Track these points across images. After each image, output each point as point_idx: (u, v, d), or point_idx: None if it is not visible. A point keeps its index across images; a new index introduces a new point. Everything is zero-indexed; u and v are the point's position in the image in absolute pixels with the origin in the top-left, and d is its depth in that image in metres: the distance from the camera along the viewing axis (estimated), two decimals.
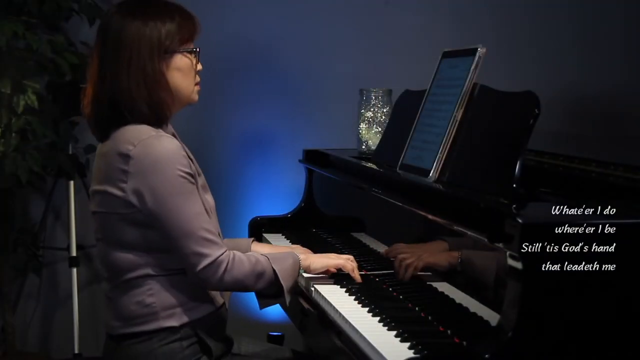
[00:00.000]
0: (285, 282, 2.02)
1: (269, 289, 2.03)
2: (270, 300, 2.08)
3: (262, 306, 2.11)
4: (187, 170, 1.93)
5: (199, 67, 2.07)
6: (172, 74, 2.00)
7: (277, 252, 2.18)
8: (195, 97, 2.07)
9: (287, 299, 2.04)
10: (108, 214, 1.95)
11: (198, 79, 2.07)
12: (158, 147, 1.91)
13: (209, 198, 2.11)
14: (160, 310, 1.97)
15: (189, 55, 2.03)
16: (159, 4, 2.04)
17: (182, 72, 2.02)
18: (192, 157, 2.12)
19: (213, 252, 1.92)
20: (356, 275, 2.21)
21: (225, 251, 1.95)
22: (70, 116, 3.45)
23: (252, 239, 2.41)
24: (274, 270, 2.01)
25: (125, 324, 1.99)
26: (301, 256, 2.13)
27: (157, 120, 2.00)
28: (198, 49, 2.06)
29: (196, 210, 1.93)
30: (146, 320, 1.98)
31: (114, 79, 1.97)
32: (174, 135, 2.08)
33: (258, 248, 2.37)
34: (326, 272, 2.24)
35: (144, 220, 1.92)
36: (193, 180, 1.95)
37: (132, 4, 2.03)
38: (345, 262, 2.22)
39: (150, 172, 1.90)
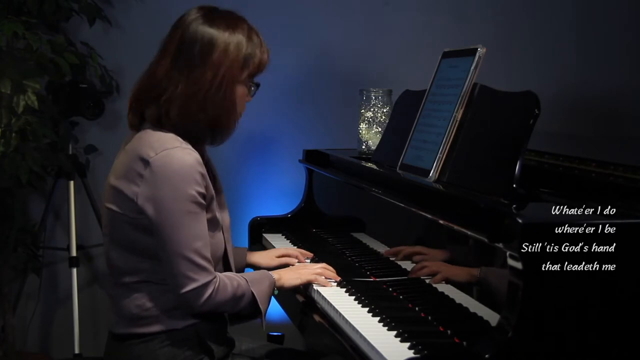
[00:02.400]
0: (263, 305, 2.03)
1: (244, 310, 2.03)
2: (242, 319, 2.10)
3: (232, 324, 2.12)
4: (200, 190, 1.92)
5: (250, 99, 2.07)
6: None
7: (254, 272, 2.17)
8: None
9: (264, 322, 2.05)
10: (118, 214, 1.96)
11: (244, 109, 2.07)
12: (177, 160, 1.90)
13: (225, 216, 2.12)
14: (162, 313, 1.97)
15: (249, 87, 2.03)
16: (244, 21, 2.03)
17: (238, 101, 2.02)
18: (215, 173, 2.15)
19: (200, 279, 1.91)
20: (331, 282, 2.22)
21: (213, 278, 1.94)
22: (70, 116, 3.44)
23: (246, 248, 2.40)
24: (252, 294, 2.01)
25: (128, 324, 2.00)
26: (275, 276, 2.12)
27: (208, 142, 2.03)
28: (259, 85, 2.07)
29: (196, 233, 1.91)
30: (148, 322, 1.98)
31: (191, 84, 1.95)
32: (201, 151, 2.06)
33: (254, 258, 2.39)
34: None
35: (148, 227, 1.92)
36: (202, 201, 1.94)
37: (218, 13, 2.02)
38: (317, 276, 2.22)
39: (163, 184, 1.89)
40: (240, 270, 2.34)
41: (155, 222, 1.90)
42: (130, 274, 1.98)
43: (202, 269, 1.92)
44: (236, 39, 1.98)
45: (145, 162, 1.91)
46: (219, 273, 1.99)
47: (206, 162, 2.09)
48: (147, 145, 1.94)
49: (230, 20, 2.01)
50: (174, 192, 1.89)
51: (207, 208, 1.97)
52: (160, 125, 1.97)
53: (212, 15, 2.00)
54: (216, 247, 2.03)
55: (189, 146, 1.96)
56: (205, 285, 1.92)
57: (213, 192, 2.01)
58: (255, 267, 2.39)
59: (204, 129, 1.99)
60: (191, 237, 1.90)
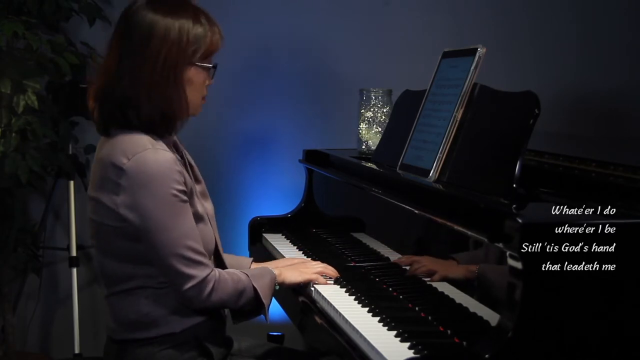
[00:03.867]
0: (266, 300, 2.02)
1: (247, 305, 2.03)
2: (246, 317, 2.08)
3: (236, 322, 2.10)
4: (180, 187, 1.89)
5: (210, 81, 2.02)
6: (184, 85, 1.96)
7: (254, 268, 2.16)
8: (199, 111, 2.02)
9: (267, 315, 2.04)
10: (101, 224, 1.93)
11: (205, 92, 2.02)
12: (152, 163, 1.87)
13: (208, 205, 2.09)
14: (159, 318, 1.96)
15: (204, 70, 1.98)
16: (189, 4, 1.98)
17: (194, 86, 1.97)
18: (192, 163, 2.11)
19: (199, 273, 1.90)
20: (329, 280, 2.22)
21: (211, 271, 1.93)
22: (70, 116, 3.45)
23: (252, 259, 2.37)
24: (254, 288, 2.01)
25: (125, 329, 1.99)
26: (275, 271, 2.11)
27: (164, 131, 1.96)
28: (216, 66, 2.01)
29: (184, 230, 1.89)
30: (145, 327, 1.97)
31: (134, 75, 1.91)
32: (175, 143, 2.06)
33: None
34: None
35: (134, 234, 1.90)
36: (185, 198, 1.91)
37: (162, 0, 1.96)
38: (318, 276, 2.22)
39: (142, 189, 1.86)
40: None
41: (142, 229, 1.87)
42: (124, 281, 1.96)
43: (198, 263, 1.91)
44: (178, 23, 1.92)
45: (120, 170, 1.87)
46: (218, 269, 1.98)
47: (181, 153, 2.07)
48: (118, 151, 1.89)
49: (173, 4, 1.95)
50: (155, 196, 1.86)
51: (189, 203, 1.94)
52: (125, 126, 1.93)
53: (155, 2, 1.95)
54: (206, 240, 2.00)
55: (161, 144, 1.92)
56: (205, 280, 1.91)
57: (192, 185, 1.98)
58: None
59: (157, 119, 1.93)
60: (182, 236, 1.89)
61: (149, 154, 1.88)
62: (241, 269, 2.10)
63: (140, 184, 1.86)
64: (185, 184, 1.92)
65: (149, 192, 1.86)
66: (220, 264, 2.11)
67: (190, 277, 1.90)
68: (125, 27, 1.94)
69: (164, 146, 1.93)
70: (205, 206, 2.06)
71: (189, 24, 1.93)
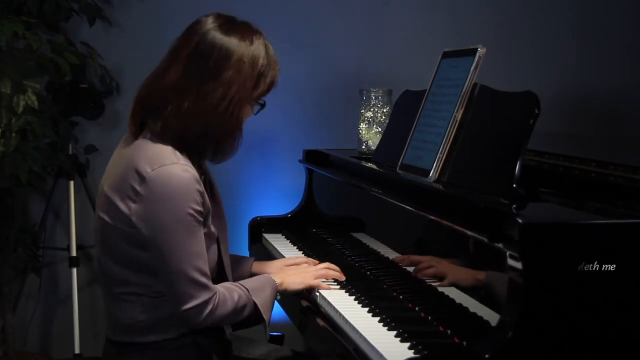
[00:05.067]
0: (266, 314, 2.01)
1: (248, 318, 2.01)
2: (245, 326, 2.07)
3: (235, 329, 2.10)
4: (198, 207, 1.87)
5: (252, 114, 2.01)
6: None
7: (254, 279, 2.11)
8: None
9: (268, 330, 2.03)
10: (110, 225, 1.92)
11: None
12: (175, 178, 1.84)
13: (223, 228, 2.07)
14: (155, 325, 1.95)
15: (256, 106, 1.99)
16: (260, 35, 1.96)
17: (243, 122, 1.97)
18: (213, 182, 2.10)
19: (200, 295, 1.88)
20: (333, 283, 2.21)
21: (213, 294, 1.91)
22: (70, 116, 3.44)
23: (253, 258, 2.37)
24: (255, 304, 1.99)
25: (122, 333, 1.98)
26: (277, 280, 2.10)
27: (208, 158, 1.97)
28: (265, 104, 2.01)
29: (195, 250, 1.88)
30: (142, 333, 1.96)
31: (200, 98, 1.88)
32: (199, 164, 2.02)
33: (263, 268, 2.31)
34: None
35: (141, 243, 1.88)
36: (201, 219, 1.90)
37: (235, 24, 1.95)
38: (319, 283, 2.19)
39: (160, 202, 1.84)
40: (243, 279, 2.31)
41: (152, 241, 1.86)
42: (121, 285, 1.95)
43: (203, 286, 1.89)
44: (251, 53, 1.91)
45: (142, 178, 1.85)
46: (218, 287, 1.95)
47: (204, 173, 2.05)
48: (144, 157, 1.87)
49: (247, 32, 1.94)
50: (172, 211, 1.84)
51: (204, 223, 1.93)
52: (161, 135, 1.91)
53: (230, 26, 1.93)
54: (209, 260, 1.99)
55: (187, 161, 1.90)
56: (206, 302, 1.89)
57: (210, 206, 1.96)
58: None
59: (207, 145, 1.94)
60: (192, 255, 1.87)
61: (174, 168, 1.86)
62: (242, 276, 2.08)
63: (159, 197, 1.84)
64: (203, 204, 1.90)
65: (166, 207, 1.84)
66: (222, 280, 2.09)
67: (191, 297, 1.88)
68: (197, 45, 1.91)
69: (189, 162, 1.91)
70: (220, 228, 2.04)
71: (260, 55, 1.93)
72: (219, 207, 2.10)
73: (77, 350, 3.46)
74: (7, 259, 3.45)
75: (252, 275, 2.27)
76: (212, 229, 1.99)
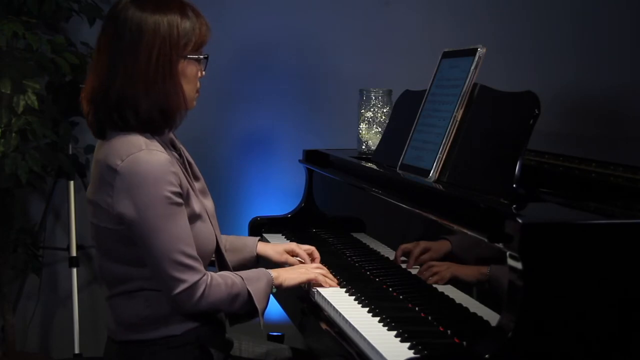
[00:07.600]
0: (260, 304, 2.00)
1: (242, 309, 2.01)
2: (241, 319, 2.07)
3: (232, 324, 2.10)
4: (174, 189, 1.88)
5: (202, 74, 2.01)
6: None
7: (250, 270, 2.11)
8: (194, 104, 2.01)
9: (262, 321, 2.03)
10: (99, 227, 1.93)
11: (199, 85, 2.02)
12: (145, 164, 1.86)
13: (208, 203, 2.08)
14: (160, 320, 1.96)
15: (196, 62, 1.98)
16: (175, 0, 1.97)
17: (187, 79, 1.96)
18: (190, 160, 2.10)
19: (190, 278, 1.88)
20: (331, 284, 2.21)
21: (203, 276, 1.91)
22: (70, 116, 3.45)
23: (258, 238, 2.37)
24: (248, 292, 1.99)
25: (126, 331, 1.99)
26: (273, 274, 2.09)
27: (164, 127, 1.95)
28: (207, 57, 2.01)
29: (177, 234, 1.88)
30: (146, 329, 1.96)
31: (129, 74, 1.90)
32: (172, 141, 2.05)
33: (264, 248, 2.34)
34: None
35: (131, 237, 1.89)
36: (179, 200, 1.89)
37: None
38: (317, 275, 2.20)
39: (135, 191, 1.85)
40: (250, 260, 2.31)
41: (134, 230, 1.87)
42: (124, 283, 1.96)
43: (190, 268, 1.89)
44: (167, 18, 1.91)
45: (114, 171, 1.86)
46: (211, 272, 1.96)
47: (179, 151, 2.06)
48: (113, 152, 1.89)
49: (158, 0, 1.94)
50: (147, 197, 1.85)
51: (185, 204, 1.93)
52: (122, 127, 1.92)
53: (140, 0, 1.94)
54: (206, 239, 2.00)
55: (156, 145, 1.91)
56: (196, 284, 1.90)
57: (188, 185, 1.97)
58: (265, 259, 2.35)
59: (157, 116, 1.93)
60: (174, 239, 1.87)
61: (142, 155, 1.87)
62: (243, 263, 2.07)
63: (132, 185, 1.85)
64: (180, 185, 1.91)
65: (141, 193, 1.85)
66: (222, 262, 2.11)
67: (180, 281, 1.88)
68: (113, 27, 1.93)
69: (159, 146, 1.92)
70: (205, 204, 2.05)
71: (177, 18, 1.93)
72: (201, 183, 2.10)
73: (77, 350, 3.46)
74: (7, 259, 3.45)
75: (258, 256, 2.31)
76: (197, 207, 1.98)
